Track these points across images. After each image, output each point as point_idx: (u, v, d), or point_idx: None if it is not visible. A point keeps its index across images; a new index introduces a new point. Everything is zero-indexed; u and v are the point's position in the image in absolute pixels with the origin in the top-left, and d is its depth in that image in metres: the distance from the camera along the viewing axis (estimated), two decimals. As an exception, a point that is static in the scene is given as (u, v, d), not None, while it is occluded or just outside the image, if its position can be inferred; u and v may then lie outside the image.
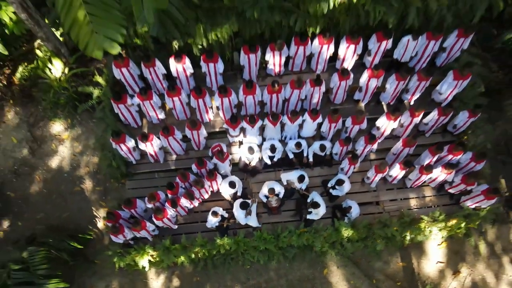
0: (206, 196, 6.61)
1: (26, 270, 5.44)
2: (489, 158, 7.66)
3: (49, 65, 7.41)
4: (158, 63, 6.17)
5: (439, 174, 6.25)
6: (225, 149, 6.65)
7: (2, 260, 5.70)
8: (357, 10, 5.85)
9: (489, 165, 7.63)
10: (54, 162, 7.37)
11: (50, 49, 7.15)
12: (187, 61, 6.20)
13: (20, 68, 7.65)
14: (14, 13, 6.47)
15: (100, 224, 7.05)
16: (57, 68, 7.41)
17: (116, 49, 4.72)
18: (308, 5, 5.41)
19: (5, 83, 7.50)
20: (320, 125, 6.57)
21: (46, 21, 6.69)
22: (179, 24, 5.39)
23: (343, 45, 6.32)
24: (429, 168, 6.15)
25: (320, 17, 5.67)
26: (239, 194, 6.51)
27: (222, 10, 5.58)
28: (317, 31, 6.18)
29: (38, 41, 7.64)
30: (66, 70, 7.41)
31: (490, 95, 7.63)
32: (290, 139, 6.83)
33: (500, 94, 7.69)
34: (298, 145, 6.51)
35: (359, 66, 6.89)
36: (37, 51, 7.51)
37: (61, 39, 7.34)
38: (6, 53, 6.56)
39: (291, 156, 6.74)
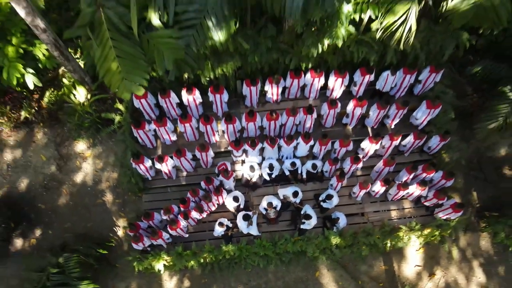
0: (213, 209, 7.61)
1: (62, 273, 6.44)
2: (463, 173, 8.73)
3: (74, 91, 8.41)
4: (172, 94, 7.16)
5: (415, 190, 7.24)
6: (229, 168, 7.65)
7: (41, 264, 6.71)
8: (343, 51, 6.84)
9: (463, 179, 8.68)
10: (78, 178, 8.36)
11: (76, 78, 8.15)
12: (197, 92, 7.19)
13: (47, 93, 8.62)
14: (47, 49, 7.46)
15: (120, 232, 8.05)
16: (80, 94, 8.40)
17: (141, 91, 5.71)
18: (301, 48, 6.39)
19: (35, 107, 8.48)
20: (312, 147, 7.56)
21: (74, 55, 7.67)
22: (190, 64, 6.36)
23: (332, 78, 7.32)
24: (405, 185, 7.15)
25: (311, 57, 6.65)
26: (241, 206, 7.50)
27: (228, 51, 6.56)
28: (309, 66, 7.18)
29: (62, 68, 8.63)
30: (89, 96, 8.40)
31: (465, 116, 8.66)
32: (286, 158, 7.82)
33: (472, 116, 8.68)
34: (293, 164, 7.52)
35: (347, 94, 7.89)
36: (63, 79, 8.49)
37: (81, 64, 8.29)
38: (40, 84, 7.55)
39: (287, 173, 7.73)
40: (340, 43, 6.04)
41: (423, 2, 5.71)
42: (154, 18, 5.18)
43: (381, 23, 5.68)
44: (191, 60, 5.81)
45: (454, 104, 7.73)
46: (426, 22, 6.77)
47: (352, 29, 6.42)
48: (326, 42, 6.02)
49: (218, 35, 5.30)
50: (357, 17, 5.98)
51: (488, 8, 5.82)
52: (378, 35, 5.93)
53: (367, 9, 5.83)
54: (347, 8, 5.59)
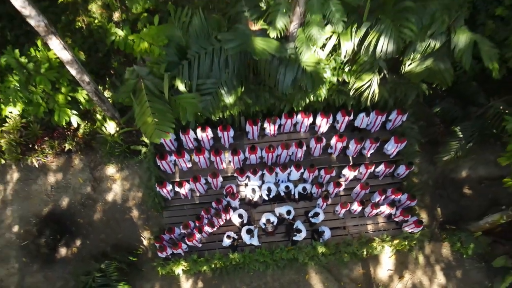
0: (222, 223, 9.34)
1: (104, 276, 8.16)
2: (430, 192, 10.46)
3: (105, 124, 10.13)
4: (191, 132, 8.89)
5: (385, 209, 8.97)
6: (235, 190, 9.38)
7: (86, 269, 8.44)
8: (327, 99, 8.55)
9: (430, 197, 10.43)
10: (109, 197, 10.09)
11: (108, 115, 9.87)
12: (209, 130, 8.92)
13: (83, 125, 10.34)
14: (87, 94, 9.19)
15: (145, 242, 9.77)
16: (110, 127, 10.11)
17: (168, 137, 7.42)
18: (292, 100, 8.12)
19: (74, 138, 10.19)
20: (302, 173, 9.28)
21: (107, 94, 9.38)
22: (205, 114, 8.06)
23: (319, 118, 9.04)
24: (377, 205, 8.88)
25: (301, 105, 8.37)
26: (245, 222, 9.23)
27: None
28: (300, 109, 8.89)
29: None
30: (118, 128, 10.13)
31: (432, 143, 10.40)
32: (282, 182, 9.54)
33: (438, 143, 10.38)
34: (287, 187, 9.27)
35: (332, 128, 9.62)
36: (97, 114, 10.21)
37: (109, 99, 9.97)
38: (82, 124, 9.26)
39: (282, 194, 9.46)
40: (322, 97, 7.76)
41: (382, 73, 7.39)
42: (181, 86, 6.90)
43: (353, 85, 7.40)
44: (206, 112, 7.53)
45: (418, 138, 9.45)
46: (393, 76, 8.49)
47: (334, 79, 8.12)
48: (312, 97, 7.75)
49: (229, 99, 7.02)
50: (334, 80, 7.71)
51: (436, 71, 7.54)
52: (351, 93, 7.66)
53: (342, 74, 7.55)
54: (326, 75, 7.31)
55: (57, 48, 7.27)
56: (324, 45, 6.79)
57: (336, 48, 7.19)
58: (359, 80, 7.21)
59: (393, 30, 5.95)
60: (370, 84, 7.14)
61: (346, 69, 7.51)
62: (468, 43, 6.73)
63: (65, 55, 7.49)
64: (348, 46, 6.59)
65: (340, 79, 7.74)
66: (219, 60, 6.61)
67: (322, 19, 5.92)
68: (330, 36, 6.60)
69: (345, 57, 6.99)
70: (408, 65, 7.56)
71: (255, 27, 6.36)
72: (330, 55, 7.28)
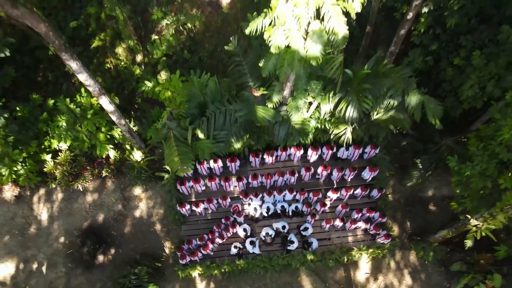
0: (229, 236, 11.52)
1: (137, 279, 10.34)
2: (401, 208, 12.65)
3: (133, 153, 12.32)
4: (205, 163, 11.06)
5: (361, 224, 11.15)
6: (240, 208, 11.55)
7: (122, 273, 10.62)
8: (314, 137, 10.72)
9: (401, 213, 12.60)
10: (137, 213, 12.27)
11: (136, 146, 12.06)
12: (219, 161, 11.10)
13: (114, 153, 12.52)
14: (121, 131, 11.37)
15: (167, 250, 11.95)
16: (137, 155, 12.31)
17: (189, 171, 9.60)
18: (287, 140, 10.30)
19: (109, 166, 12.37)
20: (295, 195, 11.46)
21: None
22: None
23: (309, 151, 11.23)
24: (355, 221, 11.07)
25: (293, 144, 10.55)
26: (248, 234, 11.40)
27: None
28: (293, 144, 11.06)
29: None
30: (143, 156, 12.31)
31: (403, 167, 12.59)
32: (278, 202, 11.72)
33: (408, 167, 12.54)
34: (283, 206, 11.46)
35: (320, 157, 11.79)
36: (126, 145, 12.39)
37: (135, 132, 12.14)
38: (117, 155, 11.45)
39: (278, 212, 11.64)
40: (309, 140, 9.94)
41: (354, 125, 9.55)
42: (201, 135, 9.09)
43: (332, 131, 9.60)
44: (219, 152, 9.72)
45: (388, 167, 11.64)
46: (367, 118, 10.66)
47: (318, 125, 10.28)
48: (301, 140, 9.93)
49: (237, 145, 9.21)
50: (319, 126, 9.90)
51: (397, 119, 9.71)
52: (331, 137, 9.86)
53: (324, 122, 9.73)
54: (312, 124, 9.50)
55: (105, 103, 9.47)
56: (309, 107, 8.99)
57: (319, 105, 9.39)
58: (336, 129, 9.39)
59: (356, 102, 8.11)
60: (345, 132, 9.32)
61: (327, 119, 9.69)
62: (418, 102, 8.90)
63: (110, 108, 9.68)
64: (326, 108, 8.77)
65: (323, 127, 9.92)
66: (230, 118, 8.81)
67: (306, 95, 8.09)
68: (312, 102, 8.78)
69: (324, 115, 9.19)
70: (376, 115, 9.72)
71: (257, 93, 8.53)
72: (316, 108, 9.45)
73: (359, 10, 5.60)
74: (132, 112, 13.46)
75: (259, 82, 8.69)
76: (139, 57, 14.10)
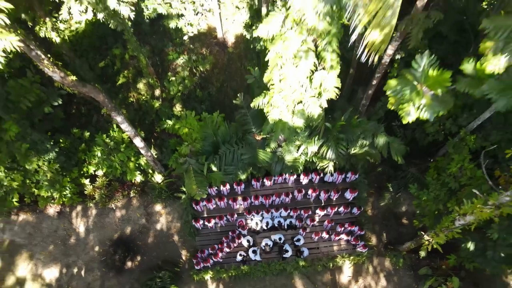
0: (235, 245, 13.98)
1: (162, 281, 12.79)
2: (378, 222, 15.12)
3: (154, 176, 14.79)
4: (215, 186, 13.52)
5: (344, 236, 13.62)
6: (244, 223, 14.02)
7: (150, 276, 13.08)
8: (305, 165, 13.20)
9: (379, 226, 15.07)
10: (158, 226, 14.73)
11: (157, 171, 14.53)
12: (227, 185, 13.56)
13: (140, 177, 14.97)
14: (146, 160, 13.83)
15: (184, 257, 14.40)
16: (158, 178, 14.77)
17: (204, 196, 12.06)
18: (282, 171, 12.77)
19: (136, 187, 14.84)
20: (289, 212, 13.92)
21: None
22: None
23: (301, 176, 13.69)
24: (338, 234, 13.54)
25: (287, 172, 13.03)
26: (251, 244, 13.86)
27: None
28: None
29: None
30: (163, 178, 14.77)
31: (381, 187, 15.06)
32: (276, 217, 14.18)
33: (384, 188, 15.02)
34: (279, 221, 13.93)
35: (310, 181, 14.26)
36: (149, 169, 14.84)
37: (154, 153, 14.59)
38: (143, 179, 13.91)
39: (276, 225, 14.10)
40: (299, 171, 12.41)
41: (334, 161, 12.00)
42: (214, 168, 11.55)
43: (318, 164, 12.07)
44: (228, 181, 12.20)
45: (366, 189, 14.11)
46: (346, 152, 13.12)
47: (307, 158, 12.75)
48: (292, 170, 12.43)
49: (243, 176, 11.67)
50: (308, 159, 12.37)
51: (371, 153, 12.17)
52: (318, 167, 12.34)
53: (312, 158, 12.21)
54: (302, 159, 11.96)
55: (138, 142, 11.94)
56: (298, 148, 11.50)
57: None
58: (321, 162, 11.86)
59: (334, 147, 10.57)
60: (328, 166, 11.80)
61: (314, 155, 12.19)
62: (385, 143, 11.37)
63: (141, 145, 12.15)
64: (312, 149, 11.24)
65: (310, 160, 12.40)
66: (237, 156, 11.27)
67: (295, 142, 10.57)
68: (301, 144, 11.27)
69: (311, 154, 11.69)
70: (353, 151, 12.19)
71: (258, 137, 10.98)
72: (304, 149, 11.93)
73: (326, 106, 8.04)
74: (152, 140, 15.92)
75: (260, 128, 11.15)
76: (157, 92, 16.57)
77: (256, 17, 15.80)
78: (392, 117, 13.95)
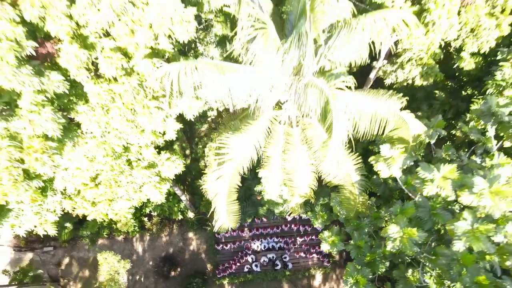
0: (243, 261, 21.03)
1: (196, 284, 19.77)
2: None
3: (188, 213, 21.85)
4: (230, 222, 20.64)
5: (315, 255, 20.68)
6: (249, 246, 21.08)
7: (188, 281, 20.08)
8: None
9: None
10: (191, 248, 21.80)
11: (190, 209, 21.63)
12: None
13: (180, 215, 21.98)
14: (185, 204, 20.92)
15: (208, 269, 21.43)
16: (190, 215, 21.83)
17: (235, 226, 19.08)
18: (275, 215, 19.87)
19: (176, 222, 21.90)
20: (279, 239, 21.00)
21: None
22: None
23: (286, 217, 20.78)
24: (311, 253, 20.62)
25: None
26: (254, 261, 20.91)
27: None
28: (278, 211, 20.61)
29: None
30: (194, 214, 21.84)
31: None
32: (270, 242, 21.25)
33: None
34: (272, 245, 21.05)
35: (293, 218, 21.36)
36: (185, 210, 21.91)
37: (188, 197, 21.63)
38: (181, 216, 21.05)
39: (270, 247, 21.18)
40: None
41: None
42: (231, 214, 18.65)
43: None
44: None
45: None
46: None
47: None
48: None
49: (249, 220, 18.71)
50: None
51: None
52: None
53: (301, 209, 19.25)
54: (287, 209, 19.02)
55: (177, 190, 19.08)
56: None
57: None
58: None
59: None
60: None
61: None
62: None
63: (184, 198, 19.27)
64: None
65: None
66: (245, 205, 18.33)
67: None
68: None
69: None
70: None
71: (259, 197, 17.97)
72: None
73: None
74: (184, 187, 23.02)
75: (260, 186, 18.21)
76: (187, 151, 23.69)
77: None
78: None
